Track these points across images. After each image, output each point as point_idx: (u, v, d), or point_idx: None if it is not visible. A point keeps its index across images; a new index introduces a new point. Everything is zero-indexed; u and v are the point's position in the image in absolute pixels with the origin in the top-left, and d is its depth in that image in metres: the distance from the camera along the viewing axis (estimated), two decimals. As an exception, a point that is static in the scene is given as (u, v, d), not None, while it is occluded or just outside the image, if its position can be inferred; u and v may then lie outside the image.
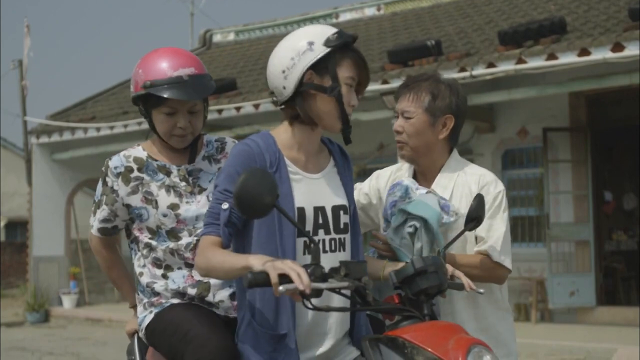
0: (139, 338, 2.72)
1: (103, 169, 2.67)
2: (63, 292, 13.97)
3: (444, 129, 2.69)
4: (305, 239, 2.22)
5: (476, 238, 2.66)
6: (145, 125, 13.24)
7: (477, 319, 2.66)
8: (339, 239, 2.30)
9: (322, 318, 2.23)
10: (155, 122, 2.63)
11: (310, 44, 2.23)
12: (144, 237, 2.63)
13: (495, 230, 2.63)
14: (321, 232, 2.26)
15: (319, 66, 2.23)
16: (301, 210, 2.23)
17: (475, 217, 2.45)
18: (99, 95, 15.13)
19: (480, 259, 2.62)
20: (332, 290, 2.04)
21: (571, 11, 10.33)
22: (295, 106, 2.27)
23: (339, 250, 2.29)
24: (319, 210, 2.27)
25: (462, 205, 2.63)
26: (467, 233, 2.57)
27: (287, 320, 2.18)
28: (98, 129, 12.74)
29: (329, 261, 2.06)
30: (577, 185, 10.21)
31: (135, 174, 2.63)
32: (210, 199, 2.37)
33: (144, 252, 2.64)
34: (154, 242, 2.61)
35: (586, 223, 10.12)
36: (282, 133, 2.33)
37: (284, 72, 2.25)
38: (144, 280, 2.64)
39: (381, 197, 2.79)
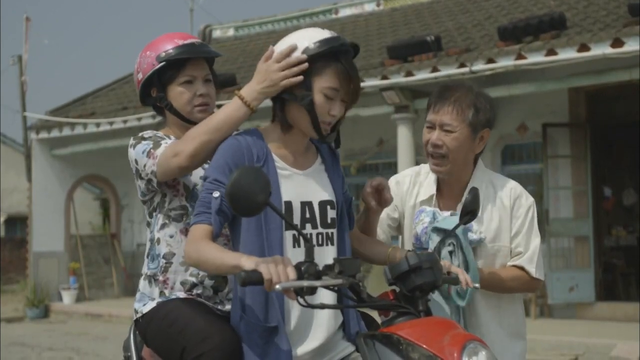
0: (134, 334, 2.71)
1: (135, 139, 2.59)
2: (63, 287, 13.98)
3: (480, 143, 2.70)
4: (294, 232, 2.23)
5: (511, 251, 2.70)
6: (145, 121, 13.09)
7: (500, 322, 2.76)
8: (326, 233, 2.31)
9: (312, 312, 2.24)
10: (174, 98, 2.64)
11: (292, 49, 2.24)
12: (181, 198, 2.58)
13: (531, 245, 2.70)
14: (308, 226, 2.28)
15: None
16: (288, 204, 2.25)
17: (470, 210, 2.44)
18: (99, 91, 15.13)
19: (517, 273, 2.69)
20: (327, 287, 2.04)
21: (571, 7, 10.32)
22: (274, 108, 2.32)
23: (326, 245, 2.31)
24: (306, 205, 2.29)
25: (494, 218, 2.68)
26: (498, 247, 2.66)
27: (276, 312, 2.20)
28: (97, 125, 12.75)
29: (316, 255, 2.07)
30: (576, 181, 10.21)
31: (167, 141, 2.56)
32: None
33: (177, 217, 2.58)
34: (190, 207, 2.56)
35: (586, 219, 10.12)
36: (270, 130, 2.36)
37: None
38: (161, 249, 2.58)
39: (404, 203, 2.79)
